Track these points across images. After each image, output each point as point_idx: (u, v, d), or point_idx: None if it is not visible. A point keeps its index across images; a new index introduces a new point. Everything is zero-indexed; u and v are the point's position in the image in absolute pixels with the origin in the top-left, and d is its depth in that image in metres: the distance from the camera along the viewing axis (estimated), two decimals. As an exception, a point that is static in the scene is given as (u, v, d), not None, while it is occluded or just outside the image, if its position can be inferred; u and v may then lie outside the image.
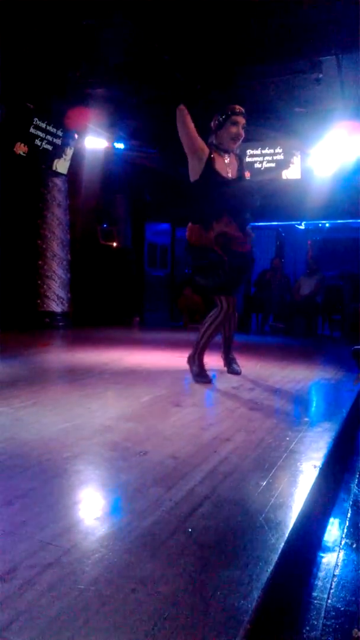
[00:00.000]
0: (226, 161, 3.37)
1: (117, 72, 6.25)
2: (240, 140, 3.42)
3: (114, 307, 8.39)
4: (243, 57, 5.68)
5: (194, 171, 3.33)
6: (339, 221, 9.70)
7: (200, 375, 3.56)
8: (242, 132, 3.38)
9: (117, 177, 8.82)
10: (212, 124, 3.39)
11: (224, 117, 3.33)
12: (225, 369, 3.90)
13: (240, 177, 3.49)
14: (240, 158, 3.55)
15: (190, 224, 3.40)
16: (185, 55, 5.67)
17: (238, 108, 3.33)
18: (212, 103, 6.13)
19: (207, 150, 3.31)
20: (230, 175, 3.39)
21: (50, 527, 1.34)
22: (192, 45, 5.51)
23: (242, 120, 3.35)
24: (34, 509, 1.45)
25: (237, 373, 3.80)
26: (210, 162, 3.30)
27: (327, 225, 10.55)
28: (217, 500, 1.55)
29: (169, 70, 5.80)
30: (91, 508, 1.53)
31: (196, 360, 3.59)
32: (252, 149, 8.01)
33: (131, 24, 5.06)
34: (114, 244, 9.10)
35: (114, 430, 2.29)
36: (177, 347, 5.67)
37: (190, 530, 1.36)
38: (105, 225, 9.03)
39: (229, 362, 3.91)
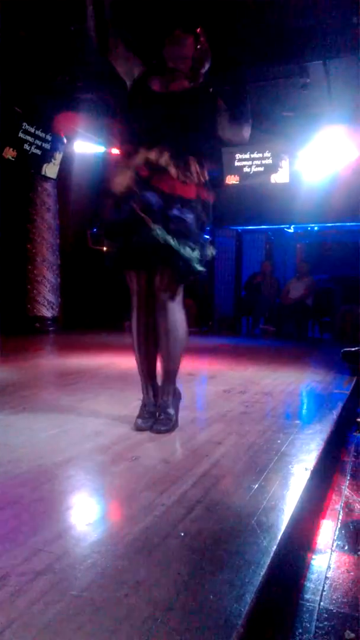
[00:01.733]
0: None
1: (106, 76, 6.25)
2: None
3: (104, 311, 8.38)
4: (229, 61, 5.70)
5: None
6: (328, 224, 9.77)
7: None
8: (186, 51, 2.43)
9: (107, 181, 8.81)
10: None
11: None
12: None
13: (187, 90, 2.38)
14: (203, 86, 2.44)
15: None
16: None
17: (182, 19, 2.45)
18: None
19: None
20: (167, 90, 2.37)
21: (41, 534, 1.34)
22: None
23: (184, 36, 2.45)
24: (25, 515, 1.44)
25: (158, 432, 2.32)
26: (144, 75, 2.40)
27: (315, 228, 10.62)
28: (209, 504, 1.55)
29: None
30: (83, 514, 1.52)
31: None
32: (241, 153, 8.06)
33: (120, 28, 5.07)
34: (104, 248, 9.09)
35: (105, 435, 2.28)
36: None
37: (182, 534, 1.36)
38: (95, 230, 9.02)
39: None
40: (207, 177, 2.37)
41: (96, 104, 6.73)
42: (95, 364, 4.47)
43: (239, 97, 2.36)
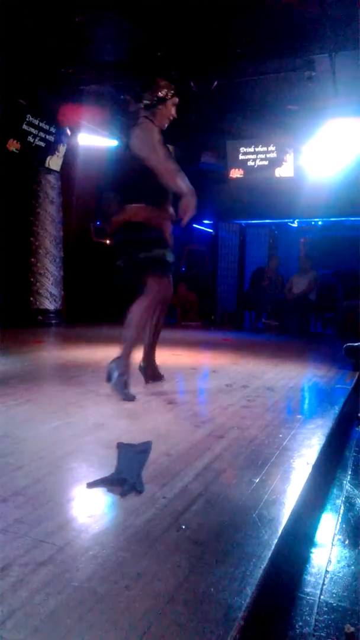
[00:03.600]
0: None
1: (110, 68, 6.23)
2: None
3: (107, 304, 8.38)
4: (236, 54, 5.68)
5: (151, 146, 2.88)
6: (331, 219, 9.74)
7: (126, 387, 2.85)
8: None
9: (110, 174, 8.78)
10: (148, 94, 2.99)
11: (169, 94, 3.00)
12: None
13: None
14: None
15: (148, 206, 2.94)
16: (179, 51, 5.67)
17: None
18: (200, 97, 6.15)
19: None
20: None
21: (43, 525, 1.34)
22: (185, 41, 5.50)
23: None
24: (27, 507, 1.45)
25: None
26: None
27: (319, 223, 10.59)
28: (210, 497, 1.56)
29: (163, 67, 5.79)
30: (85, 505, 1.53)
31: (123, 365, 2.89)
32: (246, 147, 8.02)
33: (124, 20, 5.05)
34: (107, 241, 9.09)
35: (107, 428, 2.29)
36: (170, 344, 5.67)
37: (183, 527, 1.36)
38: (98, 223, 9.01)
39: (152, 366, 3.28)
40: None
41: (100, 96, 6.71)
42: (98, 356, 4.47)
43: None
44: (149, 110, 2.97)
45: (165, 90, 3.00)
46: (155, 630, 0.96)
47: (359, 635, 1.18)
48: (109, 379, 2.89)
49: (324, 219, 10.10)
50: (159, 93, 2.99)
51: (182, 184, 2.85)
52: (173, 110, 3.04)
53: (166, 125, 3.05)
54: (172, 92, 3.02)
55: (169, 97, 3.00)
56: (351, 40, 5.07)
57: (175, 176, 2.85)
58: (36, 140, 7.00)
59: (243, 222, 9.81)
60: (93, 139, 7.71)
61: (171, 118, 3.05)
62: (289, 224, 10.59)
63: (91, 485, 1.62)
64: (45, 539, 1.27)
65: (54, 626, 0.96)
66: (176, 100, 3.05)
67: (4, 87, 5.94)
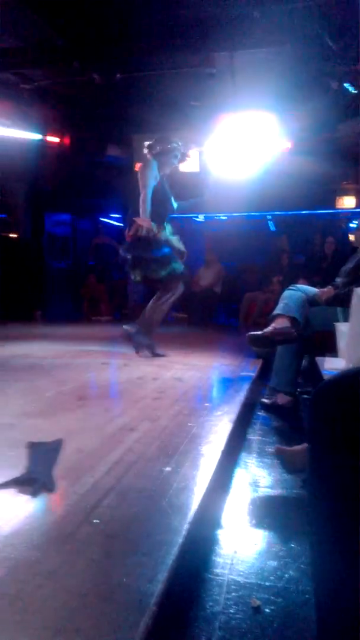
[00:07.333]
0: None
1: (11, 55, 5.97)
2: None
3: (13, 301, 8.07)
4: (138, 48, 5.66)
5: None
6: (234, 214, 10.04)
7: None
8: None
9: (13, 165, 8.42)
10: (159, 145, 4.63)
11: (175, 149, 4.55)
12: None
13: None
14: None
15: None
16: (81, 42, 5.56)
17: None
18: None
19: None
20: None
21: None
22: (88, 32, 5.41)
23: None
24: None
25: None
26: None
27: (222, 217, 10.88)
28: (122, 490, 1.58)
29: (65, 57, 5.65)
30: (-7, 509, 1.49)
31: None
32: (150, 141, 8.02)
33: (26, 7, 4.86)
34: (13, 235, 8.74)
35: (16, 427, 2.23)
36: (81, 340, 5.61)
37: (96, 521, 1.37)
38: (2, 215, 8.64)
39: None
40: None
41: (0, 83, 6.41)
42: (4, 354, 4.32)
43: None
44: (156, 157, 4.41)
45: (172, 145, 4.45)
46: (69, 626, 0.97)
47: (264, 607, 1.26)
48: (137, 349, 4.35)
49: (228, 214, 10.39)
50: (167, 146, 4.47)
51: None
52: (174, 161, 4.54)
53: (167, 171, 4.62)
54: (177, 147, 4.50)
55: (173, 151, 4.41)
56: (249, 40, 5.24)
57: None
58: None
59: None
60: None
61: (172, 166, 4.54)
62: (194, 218, 10.78)
63: (-1, 487, 1.58)
64: None
65: None
66: (177, 154, 4.51)
67: None
